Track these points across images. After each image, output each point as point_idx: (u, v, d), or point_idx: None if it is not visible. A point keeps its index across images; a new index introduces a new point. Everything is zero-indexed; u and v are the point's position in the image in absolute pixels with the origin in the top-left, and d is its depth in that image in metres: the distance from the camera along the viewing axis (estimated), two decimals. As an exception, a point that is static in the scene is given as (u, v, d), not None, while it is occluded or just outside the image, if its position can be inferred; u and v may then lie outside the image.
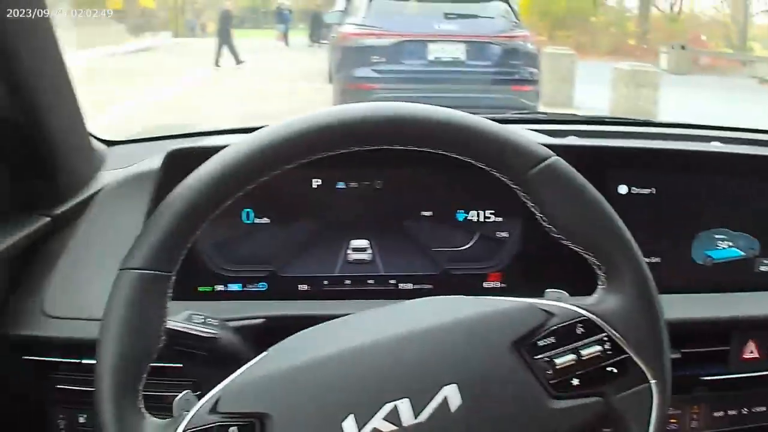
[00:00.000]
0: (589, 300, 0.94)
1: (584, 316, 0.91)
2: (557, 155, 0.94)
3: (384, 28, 9.48)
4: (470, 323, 0.90)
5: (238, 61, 18.72)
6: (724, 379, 1.45)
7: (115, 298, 0.85)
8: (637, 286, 0.93)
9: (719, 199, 1.48)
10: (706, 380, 1.44)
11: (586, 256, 0.94)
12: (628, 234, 0.94)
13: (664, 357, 0.94)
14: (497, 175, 0.93)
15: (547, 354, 0.89)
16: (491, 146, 0.92)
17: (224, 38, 19.03)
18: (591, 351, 0.90)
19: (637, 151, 1.51)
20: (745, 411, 1.48)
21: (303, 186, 1.41)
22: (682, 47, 23.56)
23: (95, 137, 1.64)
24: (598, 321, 0.91)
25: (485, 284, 1.42)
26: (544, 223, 0.94)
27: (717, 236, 1.47)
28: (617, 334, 0.91)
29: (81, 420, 1.41)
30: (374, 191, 1.42)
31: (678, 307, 1.38)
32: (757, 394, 1.49)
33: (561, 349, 0.89)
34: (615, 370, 0.90)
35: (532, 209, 0.94)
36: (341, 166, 1.37)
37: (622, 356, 0.91)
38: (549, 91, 11.90)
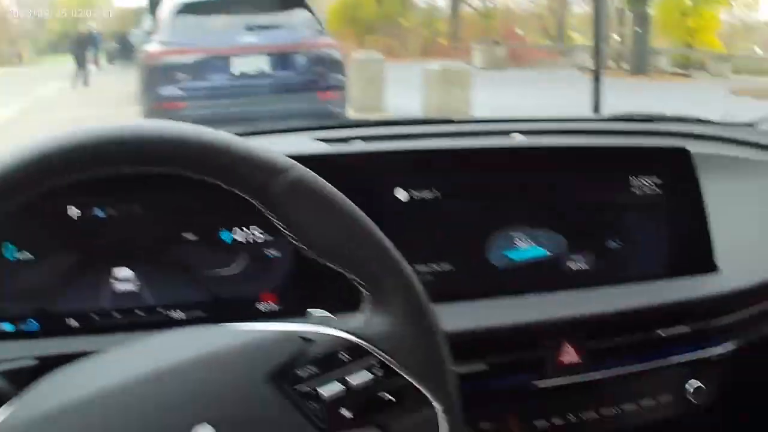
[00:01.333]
0: (354, 322, 0.87)
1: (348, 340, 0.85)
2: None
3: (187, 45, 9.64)
4: (221, 356, 0.82)
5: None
6: (540, 387, 1.39)
7: None
8: (405, 302, 0.87)
9: (515, 196, 1.42)
10: (521, 389, 1.39)
11: (346, 275, 0.87)
12: (390, 246, 0.87)
13: (446, 378, 0.88)
14: (238, 192, 0.84)
15: (310, 385, 0.82)
16: (226, 161, 0.83)
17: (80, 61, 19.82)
18: (360, 379, 0.84)
19: (412, 152, 1.45)
20: (572, 418, 1.43)
21: (61, 216, 1.30)
22: (496, 42, 24.27)
23: None
24: (365, 345, 0.85)
25: (258, 306, 1.34)
26: (294, 242, 0.86)
27: (515, 235, 1.41)
28: (388, 358, 0.85)
29: None
30: (134, 217, 1.32)
31: (478, 314, 1.34)
32: (581, 399, 1.44)
33: (325, 378, 0.83)
34: (391, 398, 0.85)
35: (280, 228, 0.86)
36: (98, 193, 1.30)
37: (398, 382, 0.85)
38: (359, 96, 12.24)
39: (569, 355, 1.39)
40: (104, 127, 0.81)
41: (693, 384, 1.50)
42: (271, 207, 0.84)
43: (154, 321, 1.33)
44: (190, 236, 1.33)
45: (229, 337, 0.85)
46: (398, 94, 12.92)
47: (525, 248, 1.41)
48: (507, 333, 1.35)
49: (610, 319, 1.42)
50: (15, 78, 23.57)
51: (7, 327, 1.31)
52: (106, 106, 14.10)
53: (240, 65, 9.73)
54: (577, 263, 1.44)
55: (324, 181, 0.86)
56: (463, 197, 1.39)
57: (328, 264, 0.87)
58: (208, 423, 0.77)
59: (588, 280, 1.44)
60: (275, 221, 0.85)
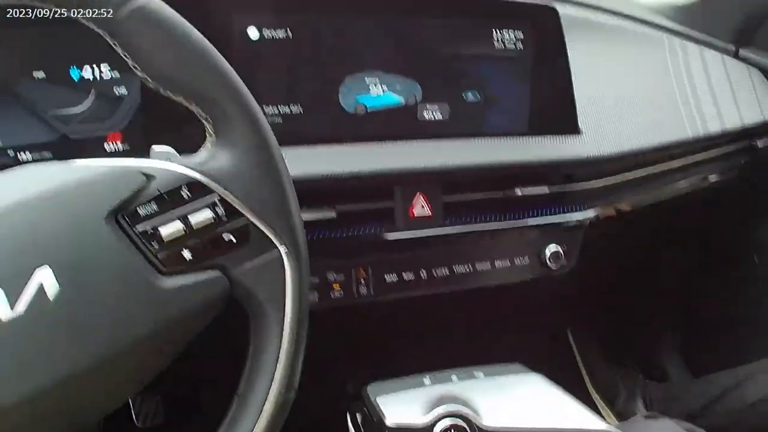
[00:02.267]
0: (197, 157, 0.85)
1: (190, 176, 0.83)
2: None
3: None
4: (59, 194, 0.78)
5: None
6: (391, 239, 1.39)
7: None
8: (251, 137, 0.85)
9: (371, 40, 1.38)
10: (370, 241, 1.38)
11: (191, 108, 0.85)
12: (237, 78, 0.85)
13: (292, 218, 0.88)
14: (83, 21, 0.80)
15: (151, 223, 0.80)
16: None
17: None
18: (201, 217, 0.82)
19: None
20: (423, 274, 1.43)
21: None
22: None
23: None
24: (207, 181, 0.83)
25: (107, 146, 1.30)
26: (138, 73, 0.83)
27: (369, 80, 1.37)
28: (231, 196, 0.84)
29: None
30: None
31: (330, 159, 1.31)
32: (434, 254, 1.45)
33: (165, 217, 0.81)
34: (233, 239, 0.84)
35: (125, 58, 0.82)
36: None
37: (240, 222, 0.84)
38: None
39: (421, 207, 1.38)
40: None
41: (551, 248, 1.51)
42: (116, 35, 0.81)
43: (2, 164, 1.27)
44: (39, 74, 1.28)
45: (67, 174, 0.81)
46: None
47: (379, 94, 1.38)
48: (357, 181, 1.32)
49: (465, 173, 1.40)
50: None
51: None
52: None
53: None
54: (434, 113, 1.42)
55: (171, 9, 0.83)
56: (316, 38, 1.35)
57: (170, 96, 0.85)
58: (48, 265, 0.75)
59: (444, 131, 1.42)
60: (120, 51, 0.82)
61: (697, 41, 1.91)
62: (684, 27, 1.95)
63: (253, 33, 1.31)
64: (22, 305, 0.73)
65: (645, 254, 2.18)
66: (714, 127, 1.71)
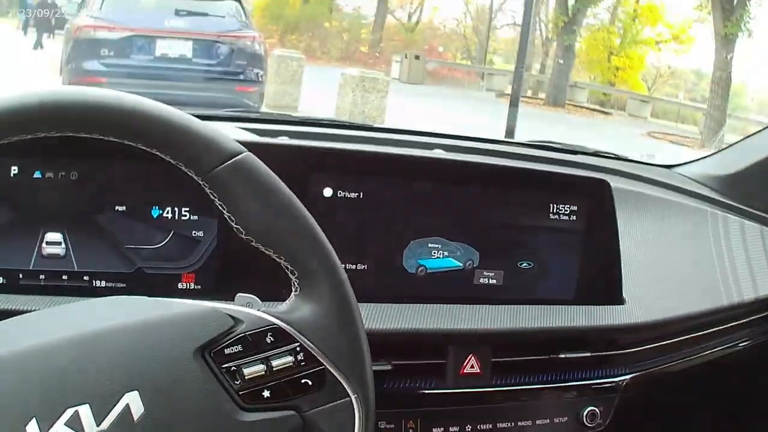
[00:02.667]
0: (281, 307, 0.93)
1: (274, 324, 0.90)
2: (256, 153, 0.92)
3: (115, 22, 9.70)
4: (152, 326, 0.87)
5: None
6: (441, 393, 1.46)
7: None
8: (333, 293, 0.93)
9: (435, 208, 1.49)
10: (421, 394, 1.45)
11: (279, 261, 0.93)
12: (324, 238, 0.93)
13: (365, 369, 0.94)
14: (184, 170, 0.91)
15: (235, 363, 0.88)
16: (178, 138, 0.89)
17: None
18: (282, 361, 0.89)
19: (344, 153, 1.51)
20: (468, 428, 1.50)
21: (1, 173, 1.34)
22: (416, 57, 24.38)
23: None
24: (290, 330, 0.90)
25: (180, 285, 1.38)
26: (231, 224, 0.92)
27: (431, 245, 1.47)
28: (311, 344, 0.91)
29: None
30: (70, 182, 1.36)
31: (390, 316, 1.39)
32: (479, 410, 1.51)
33: (249, 359, 0.88)
34: (310, 383, 0.90)
35: (220, 208, 0.92)
36: (39, 154, 1.34)
37: (318, 368, 0.91)
38: (275, 93, 12.36)
39: (472, 365, 1.47)
40: (62, 90, 0.87)
41: (588, 408, 1.58)
42: (215, 187, 0.90)
43: (77, 287, 1.36)
44: (121, 208, 1.37)
45: (162, 309, 0.90)
46: (314, 96, 12.94)
47: (439, 258, 1.48)
48: (414, 337, 1.41)
49: (515, 336, 1.49)
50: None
51: None
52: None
53: (163, 48, 9.86)
54: (489, 279, 1.51)
55: (267, 168, 0.92)
56: (386, 202, 1.45)
57: (260, 248, 0.93)
58: (138, 390, 0.82)
59: (498, 296, 1.52)
60: (216, 202, 0.91)
61: (735, 210, 2.01)
62: (723, 197, 2.05)
63: (328, 192, 1.42)
64: (107, 422, 0.80)
65: (681, 416, 2.21)
66: (748, 294, 1.79)
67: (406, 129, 2.02)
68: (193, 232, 1.40)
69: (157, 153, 0.90)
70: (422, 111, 13.14)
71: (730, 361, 1.87)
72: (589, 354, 1.58)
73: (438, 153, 1.74)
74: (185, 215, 1.40)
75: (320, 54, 27.38)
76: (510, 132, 8.57)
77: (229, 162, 0.89)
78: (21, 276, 1.36)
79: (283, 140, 1.58)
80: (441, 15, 36.48)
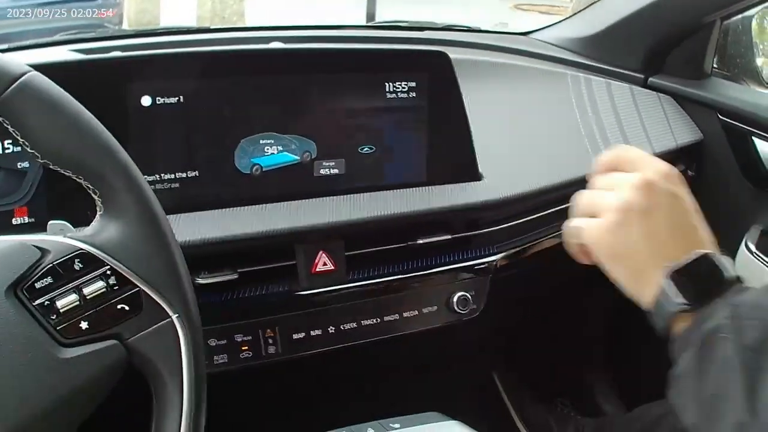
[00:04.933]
0: (88, 230, 0.89)
1: (81, 249, 0.87)
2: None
3: None
4: None
5: None
6: (296, 296, 1.42)
7: None
8: (138, 208, 0.89)
9: (263, 102, 1.42)
10: (275, 300, 1.41)
11: (79, 181, 0.89)
12: (122, 152, 0.89)
13: (182, 285, 0.91)
14: None
15: (47, 297, 0.85)
16: None
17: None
18: (94, 288, 0.87)
19: (157, 57, 1.43)
20: (331, 330, 1.46)
21: None
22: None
23: None
24: (98, 253, 0.87)
25: (14, 221, 1.32)
26: (27, 149, 0.87)
27: (263, 141, 1.41)
28: (121, 266, 0.88)
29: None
30: None
31: (229, 222, 1.33)
32: (341, 309, 1.47)
33: (61, 290, 0.85)
34: (127, 307, 0.88)
35: (14, 134, 0.86)
36: None
37: (132, 290, 0.88)
38: (136, 13, 12.18)
39: (324, 263, 1.41)
40: None
41: (458, 294, 1.54)
42: (5, 114, 0.85)
43: None
44: None
45: None
46: (174, 10, 12.83)
47: (274, 154, 1.41)
48: (257, 241, 1.35)
49: (365, 227, 1.43)
50: None
51: None
52: None
53: None
54: (330, 169, 1.45)
55: (56, 86, 0.87)
56: (208, 104, 1.39)
57: (59, 170, 0.88)
58: None
59: (342, 186, 1.46)
60: (9, 128, 0.86)
61: (602, 72, 1.97)
62: (588, 59, 2.00)
63: (146, 101, 1.35)
64: None
65: (564, 294, 2.20)
66: None
67: (245, 26, 1.96)
68: (18, 164, 1.33)
69: None
70: (284, 9, 12.98)
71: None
72: (450, 236, 1.53)
73: (275, 45, 1.66)
74: (8, 148, 1.33)
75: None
76: (371, 17, 8.45)
77: (14, 85, 0.84)
78: None
79: (114, 54, 1.51)
80: None
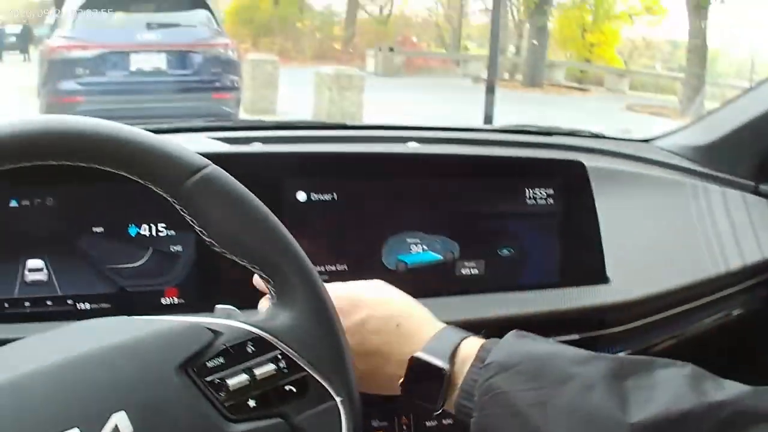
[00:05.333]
0: (260, 316, 0.94)
1: (254, 333, 0.90)
2: (225, 163, 0.93)
3: (88, 40, 9.86)
4: (133, 346, 0.86)
5: None
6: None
7: None
8: (309, 298, 0.93)
9: (411, 202, 1.49)
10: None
11: (254, 270, 0.93)
12: (296, 244, 0.94)
13: (347, 371, 0.94)
14: (152, 188, 0.90)
15: (218, 375, 0.87)
16: (142, 157, 0.88)
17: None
18: (265, 370, 0.89)
19: (314, 155, 1.51)
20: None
21: None
22: (390, 49, 24.39)
23: None
24: (269, 338, 0.91)
25: (163, 301, 1.39)
26: (204, 237, 0.92)
27: (410, 240, 1.47)
28: (291, 351, 0.91)
29: None
30: (47, 209, 1.37)
31: None
32: None
33: (232, 370, 0.88)
34: (294, 389, 0.90)
35: (191, 223, 0.92)
36: (13, 183, 1.35)
37: (301, 374, 0.91)
38: (251, 98, 12.52)
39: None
40: (24, 120, 0.86)
41: None
42: (183, 202, 0.90)
43: (62, 312, 1.36)
44: (99, 229, 1.38)
45: (141, 328, 0.89)
46: (291, 98, 12.97)
47: (419, 252, 1.48)
48: None
49: (502, 324, 1.46)
50: None
51: None
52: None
53: (138, 62, 9.93)
54: (471, 269, 1.51)
55: (233, 179, 0.92)
56: (360, 201, 1.45)
57: (235, 259, 0.93)
58: (124, 410, 0.81)
59: (481, 285, 1.52)
60: (186, 216, 0.91)
61: (716, 180, 2.01)
62: (703, 167, 2.04)
63: (301, 196, 1.42)
64: None
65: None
66: (735, 263, 1.79)
67: (379, 125, 2.02)
68: (172, 247, 1.40)
69: (125, 174, 0.89)
70: (400, 103, 13.15)
71: (725, 330, 1.87)
72: (578, 336, 1.57)
73: (412, 146, 1.74)
74: (162, 231, 1.40)
75: (295, 54, 27.42)
76: (488, 119, 8.59)
77: (194, 177, 0.89)
78: (6, 305, 1.36)
79: (256, 147, 1.59)
80: (412, 6, 36.58)
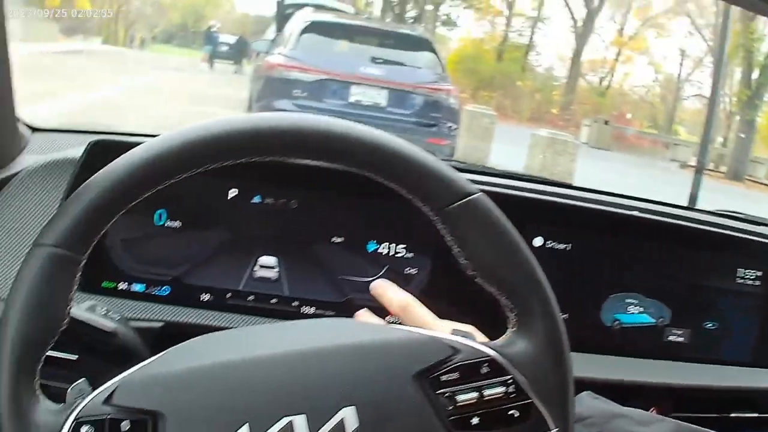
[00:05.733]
0: (498, 342, 0.95)
1: (490, 356, 0.92)
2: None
3: (309, 63, 9.69)
4: (375, 348, 0.90)
5: None
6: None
7: (24, 273, 0.85)
8: (549, 333, 0.94)
9: (635, 264, 1.58)
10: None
11: (499, 297, 0.95)
12: (545, 281, 0.95)
13: (568, 406, 0.95)
14: (418, 204, 0.94)
15: (450, 389, 0.89)
16: (416, 173, 0.93)
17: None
18: (494, 392, 0.90)
19: (556, 205, 1.60)
20: None
21: (219, 195, 1.44)
22: (605, 122, 24.11)
23: (21, 121, 1.65)
24: (505, 363, 0.92)
25: (387, 318, 1.37)
26: (460, 259, 0.94)
27: (629, 300, 1.56)
28: (523, 379, 0.91)
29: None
30: (289, 210, 1.45)
31: (581, 365, 1.44)
32: None
33: (464, 386, 0.89)
34: (517, 414, 0.91)
35: (450, 243, 0.94)
36: (260, 180, 1.43)
37: (526, 401, 0.91)
38: (465, 148, 12.11)
39: (652, 419, 1.54)
40: (302, 117, 0.94)
41: None
42: (446, 223, 0.95)
43: (285, 312, 1.46)
44: (338, 239, 1.47)
45: (384, 333, 0.95)
46: (503, 153, 12.90)
47: (634, 314, 1.57)
48: (602, 387, 1.42)
49: (697, 393, 1.57)
50: (122, 59, 23.95)
51: (139, 288, 1.44)
52: (212, 105, 13.87)
53: (357, 95, 9.86)
54: (677, 336, 1.60)
55: (498, 209, 0.96)
56: (590, 256, 1.54)
57: (485, 284, 0.96)
58: (355, 406, 0.84)
59: (683, 353, 1.61)
60: (447, 237, 0.95)
61: None
62: None
63: (538, 241, 1.52)
64: None
65: None
66: None
67: (604, 191, 2.08)
68: (407, 269, 1.48)
69: (394, 186, 0.94)
70: (607, 177, 13.01)
71: None
72: (756, 414, 1.63)
73: (636, 213, 1.82)
74: (400, 252, 1.48)
75: (511, 113, 27.23)
76: (693, 199, 8.43)
77: (463, 200, 0.92)
78: (229, 295, 1.45)
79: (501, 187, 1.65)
80: (631, 81, 36.01)
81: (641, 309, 1.58)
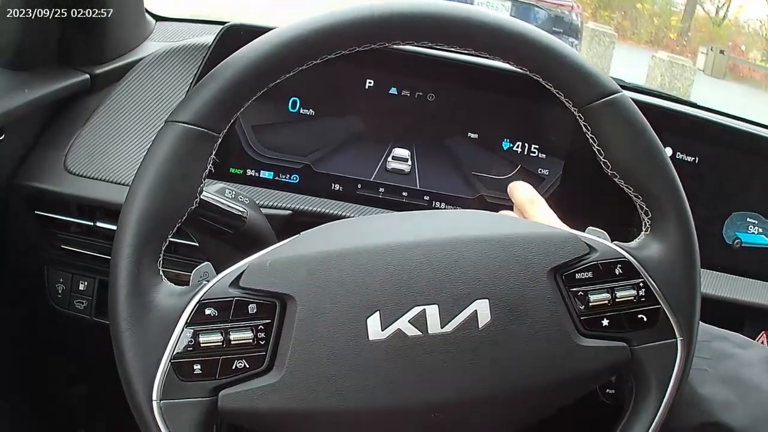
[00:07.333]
0: (633, 243, 0.92)
1: (625, 257, 0.89)
2: None
3: None
4: (512, 242, 0.86)
5: None
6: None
7: (156, 149, 0.81)
8: (682, 237, 0.90)
9: (760, 184, 1.47)
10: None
11: (635, 199, 0.92)
12: (679, 183, 0.91)
13: (695, 315, 0.91)
14: (561, 98, 0.91)
15: (583, 288, 0.87)
16: (563, 68, 0.89)
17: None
18: (625, 294, 0.87)
19: (688, 117, 1.49)
20: None
21: (356, 84, 1.39)
22: (721, 51, 23.49)
23: (146, 9, 1.63)
24: (638, 265, 0.89)
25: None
26: (599, 157, 0.91)
27: (750, 219, 1.47)
28: (654, 283, 0.88)
29: (81, 287, 1.41)
30: (425, 103, 1.39)
31: (706, 282, 1.36)
32: None
33: (597, 286, 0.87)
34: (645, 318, 0.88)
35: (590, 140, 0.91)
36: (397, 71, 1.37)
37: (654, 306, 0.88)
38: None
39: (763, 341, 1.45)
40: (472, 8, 0.88)
41: None
42: (589, 120, 0.91)
43: (416, 205, 1.41)
44: (473, 135, 1.40)
45: (522, 226, 0.92)
46: (617, 73, 12.74)
47: (755, 234, 1.47)
48: (717, 306, 1.40)
49: None
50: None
51: (268, 175, 1.41)
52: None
53: (482, 4, 9.39)
54: None
55: (638, 110, 0.91)
56: (717, 171, 1.45)
57: (622, 186, 0.92)
58: (488, 299, 0.82)
59: None
60: (588, 134, 0.91)
61: None
62: None
63: (667, 152, 1.42)
64: (452, 326, 0.80)
65: None
66: None
67: (732, 114, 1.97)
68: (539, 169, 1.42)
69: (539, 79, 0.90)
70: (722, 106, 12.75)
71: None
72: None
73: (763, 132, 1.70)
74: (534, 152, 1.41)
75: (630, 35, 26.82)
76: None
77: (606, 98, 0.89)
78: (360, 186, 1.41)
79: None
80: (746, 14, 34.91)
81: (761, 230, 1.48)
